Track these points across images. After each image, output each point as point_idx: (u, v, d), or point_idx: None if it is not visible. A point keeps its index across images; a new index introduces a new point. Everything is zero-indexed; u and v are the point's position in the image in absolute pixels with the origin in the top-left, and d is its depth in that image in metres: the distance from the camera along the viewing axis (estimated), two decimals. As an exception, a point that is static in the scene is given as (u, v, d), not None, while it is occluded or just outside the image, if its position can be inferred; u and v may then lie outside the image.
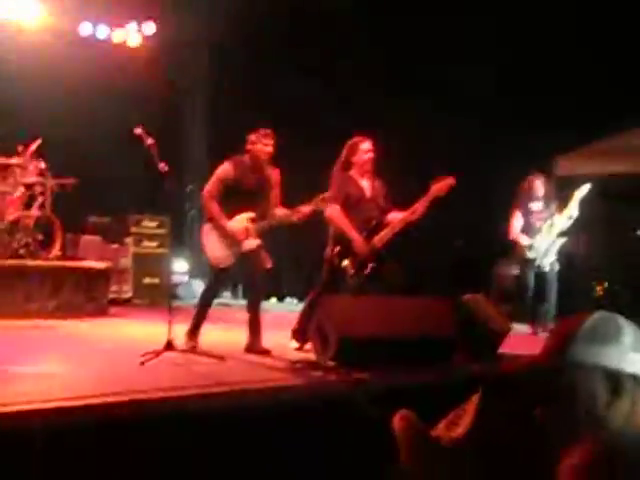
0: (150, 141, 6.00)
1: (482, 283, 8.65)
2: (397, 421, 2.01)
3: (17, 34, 10.77)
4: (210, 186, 6.33)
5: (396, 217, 6.60)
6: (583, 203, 8.43)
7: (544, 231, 8.57)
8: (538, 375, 1.71)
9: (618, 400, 1.67)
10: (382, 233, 6.56)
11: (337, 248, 6.50)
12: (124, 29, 11.92)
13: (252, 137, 6.36)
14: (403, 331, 5.73)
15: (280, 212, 6.43)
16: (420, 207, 6.47)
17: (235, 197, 6.29)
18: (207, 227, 6.32)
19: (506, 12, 10.73)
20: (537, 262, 8.58)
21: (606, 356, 1.68)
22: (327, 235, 6.61)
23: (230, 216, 6.28)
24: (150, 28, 12.05)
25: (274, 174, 6.48)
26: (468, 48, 10.79)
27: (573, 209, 8.41)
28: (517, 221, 8.76)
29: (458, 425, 1.87)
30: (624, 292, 11.09)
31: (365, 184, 6.68)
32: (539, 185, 8.72)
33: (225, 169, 6.34)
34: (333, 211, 6.48)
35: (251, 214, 6.30)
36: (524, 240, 8.64)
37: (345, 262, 6.43)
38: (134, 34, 12.02)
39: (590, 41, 10.55)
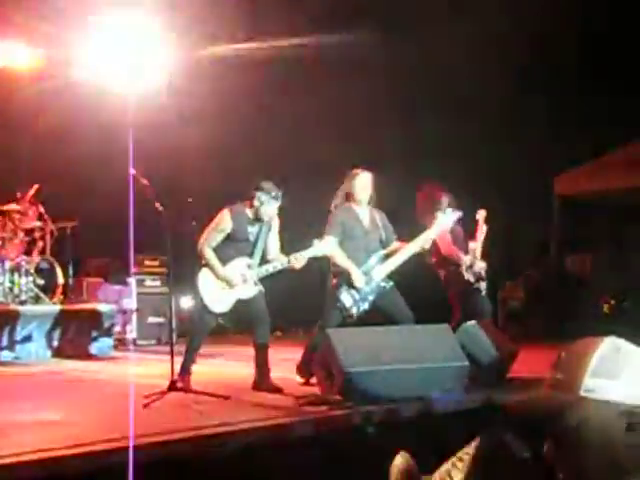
0: (145, 182, 6.00)
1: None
2: (393, 469, 1.86)
3: (8, 81, 10.76)
4: (207, 235, 6.22)
5: (400, 247, 6.54)
6: (588, 220, 8.11)
7: (472, 250, 7.35)
8: (546, 412, 1.57)
9: (633, 438, 1.54)
10: (385, 264, 6.50)
11: (334, 280, 6.44)
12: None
13: (261, 196, 6.19)
14: (409, 361, 5.64)
15: (279, 258, 6.23)
16: (428, 238, 6.47)
17: (232, 244, 6.21)
18: (204, 272, 6.21)
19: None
20: (475, 285, 7.30)
21: (617, 391, 1.55)
22: (328, 267, 6.55)
23: (226, 262, 6.19)
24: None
25: (274, 221, 6.36)
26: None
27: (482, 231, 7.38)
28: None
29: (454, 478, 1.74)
30: (633, 309, 10.98)
31: (364, 215, 6.61)
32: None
33: (223, 220, 6.21)
34: (329, 244, 6.33)
35: (248, 260, 6.22)
36: (463, 257, 7.30)
37: (343, 294, 6.36)
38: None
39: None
